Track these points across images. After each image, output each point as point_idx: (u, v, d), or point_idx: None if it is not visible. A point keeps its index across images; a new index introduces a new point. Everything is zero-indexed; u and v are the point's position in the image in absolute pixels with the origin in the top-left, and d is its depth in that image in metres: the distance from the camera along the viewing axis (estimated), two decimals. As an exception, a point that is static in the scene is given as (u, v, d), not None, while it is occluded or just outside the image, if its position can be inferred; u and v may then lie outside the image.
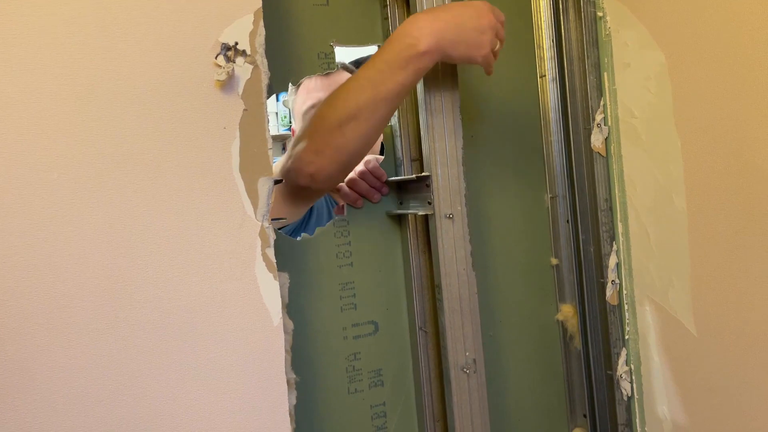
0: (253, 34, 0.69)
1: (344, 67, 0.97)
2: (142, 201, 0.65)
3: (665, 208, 0.78)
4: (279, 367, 0.70)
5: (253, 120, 0.69)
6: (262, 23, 0.70)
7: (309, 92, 0.99)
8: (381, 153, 0.96)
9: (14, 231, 0.60)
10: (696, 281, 0.75)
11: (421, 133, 0.80)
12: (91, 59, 0.64)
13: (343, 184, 0.87)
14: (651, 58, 0.78)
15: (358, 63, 1.69)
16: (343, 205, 0.87)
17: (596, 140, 0.87)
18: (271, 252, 0.70)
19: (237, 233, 0.69)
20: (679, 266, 0.77)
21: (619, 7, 0.83)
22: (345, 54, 0.94)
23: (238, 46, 0.69)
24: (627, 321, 0.86)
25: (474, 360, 0.79)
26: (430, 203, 0.79)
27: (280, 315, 0.70)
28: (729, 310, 0.71)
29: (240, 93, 0.69)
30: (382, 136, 1.07)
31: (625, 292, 0.86)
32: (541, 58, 0.95)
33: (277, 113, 2.98)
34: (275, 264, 0.70)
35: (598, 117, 0.87)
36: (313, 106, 1.00)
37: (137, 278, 0.65)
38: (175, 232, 0.66)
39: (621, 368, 0.86)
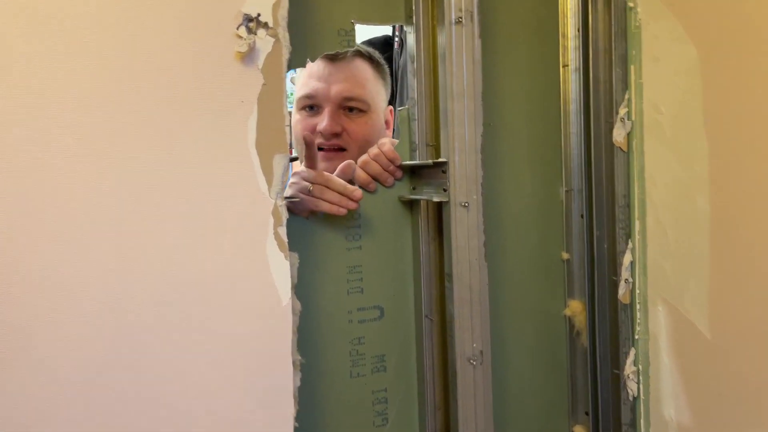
0: (276, 6, 0.67)
1: (357, 53, 0.95)
2: (156, 172, 0.64)
3: (687, 207, 0.77)
4: (286, 348, 0.69)
5: (272, 95, 0.68)
6: (286, -5, 0.68)
7: (309, 77, 0.98)
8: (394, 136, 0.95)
9: (26, 196, 0.59)
10: (714, 285, 0.74)
11: (440, 118, 0.78)
12: (108, 23, 0.62)
13: (356, 166, 0.85)
14: (682, 53, 0.76)
15: (370, 43, 1.66)
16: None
17: (618, 135, 0.85)
18: (283, 231, 0.69)
19: (250, 210, 0.67)
20: (697, 268, 0.76)
21: (651, -2, 0.81)
22: (364, 32, 0.91)
23: (260, 18, 0.67)
24: (638, 321, 0.85)
25: (481, 351, 0.78)
26: (445, 190, 0.77)
27: (290, 295, 0.69)
28: (747, 317, 0.70)
29: (260, 66, 0.67)
30: (398, 116, 1.05)
31: (638, 291, 0.85)
32: (564, 47, 0.93)
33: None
34: (287, 243, 0.69)
35: (622, 111, 0.85)
36: (308, 96, 0.99)
37: (147, 250, 0.64)
38: (188, 205, 0.65)
39: (629, 368, 0.85)
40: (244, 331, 0.67)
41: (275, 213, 0.68)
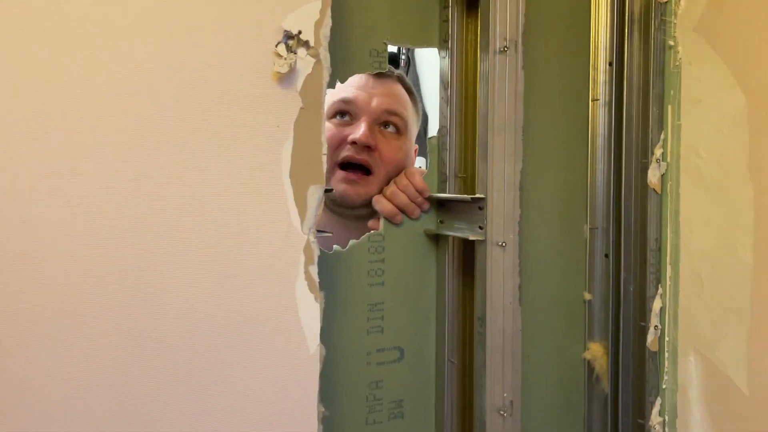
0: (318, 24, 0.62)
1: (400, 78, 0.90)
2: (180, 200, 0.57)
3: (726, 257, 0.74)
4: (311, 400, 0.63)
5: (309, 120, 0.62)
6: (329, 12, 0.62)
7: (348, 85, 0.90)
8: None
9: (46, 226, 0.52)
10: (755, 339, 0.71)
11: (479, 151, 0.74)
12: (134, 37, 0.55)
13: (381, 196, 0.80)
14: (728, 98, 0.74)
15: (390, 58, 1.60)
16: (379, 219, 0.79)
17: (653, 176, 0.82)
18: (314, 270, 0.63)
19: (280, 246, 0.61)
20: (735, 320, 0.73)
21: (694, 38, 0.78)
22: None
23: (301, 36, 0.61)
24: (666, 369, 0.82)
25: (511, 402, 0.73)
26: (481, 228, 0.73)
27: (317, 341, 0.63)
28: (792, 375, 0.67)
29: (298, 89, 0.61)
30: (416, 147, 1.00)
31: (667, 338, 0.82)
32: (594, 81, 0.90)
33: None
34: (318, 283, 0.63)
35: (658, 151, 0.82)
36: (345, 101, 0.91)
37: (164, 288, 0.57)
38: (213, 239, 0.58)
39: (654, 418, 0.82)
40: (266, 382, 0.61)
41: (307, 250, 0.62)
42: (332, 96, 0.91)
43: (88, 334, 0.54)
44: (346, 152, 0.88)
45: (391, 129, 0.91)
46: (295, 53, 0.60)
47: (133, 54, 0.54)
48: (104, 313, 0.55)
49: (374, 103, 0.89)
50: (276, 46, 0.60)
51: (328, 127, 0.92)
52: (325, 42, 0.62)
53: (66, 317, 0.53)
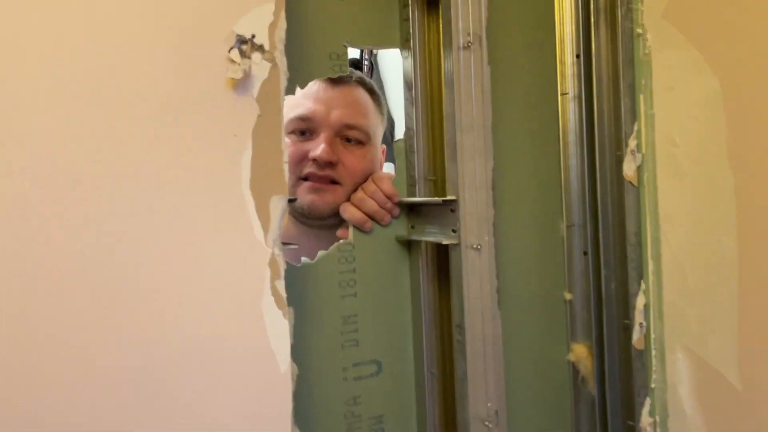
0: (273, 27, 0.58)
1: (360, 81, 0.86)
2: (132, 218, 0.53)
3: (710, 249, 0.72)
4: (285, 423, 0.59)
5: (268, 128, 0.59)
6: (284, 14, 0.59)
7: (304, 98, 0.86)
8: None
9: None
10: (745, 331, 0.69)
11: (447, 152, 0.71)
12: (79, 44, 0.51)
13: (349, 204, 0.76)
14: (702, 84, 0.72)
15: (353, 63, 1.58)
16: (348, 227, 0.76)
17: (628, 168, 0.80)
18: (281, 285, 0.59)
19: (243, 261, 0.57)
20: (724, 313, 0.71)
21: (663, 24, 0.76)
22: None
23: (255, 40, 0.57)
24: (654, 368, 0.79)
25: (496, 411, 0.70)
26: (455, 231, 0.70)
27: (288, 360, 0.59)
28: (782, 366, 0.65)
29: (255, 95, 0.58)
30: (384, 148, 0.97)
31: (653, 336, 0.79)
32: (562, 75, 0.87)
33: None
34: (285, 299, 0.59)
35: (632, 143, 0.80)
36: (302, 118, 0.88)
37: (119, 314, 0.53)
38: (170, 258, 0.55)
39: (645, 419, 0.79)
40: (235, 406, 0.57)
41: (273, 264, 0.59)
42: (287, 112, 0.86)
43: (35, 359, 0.50)
44: (309, 168, 0.85)
45: (353, 143, 0.88)
46: (250, 58, 0.57)
47: (77, 66, 0.51)
48: (52, 336, 0.50)
49: (333, 116, 0.85)
50: (229, 51, 0.56)
51: (288, 143, 0.88)
52: (280, 45, 0.59)
53: (38, 338, 0.49)
